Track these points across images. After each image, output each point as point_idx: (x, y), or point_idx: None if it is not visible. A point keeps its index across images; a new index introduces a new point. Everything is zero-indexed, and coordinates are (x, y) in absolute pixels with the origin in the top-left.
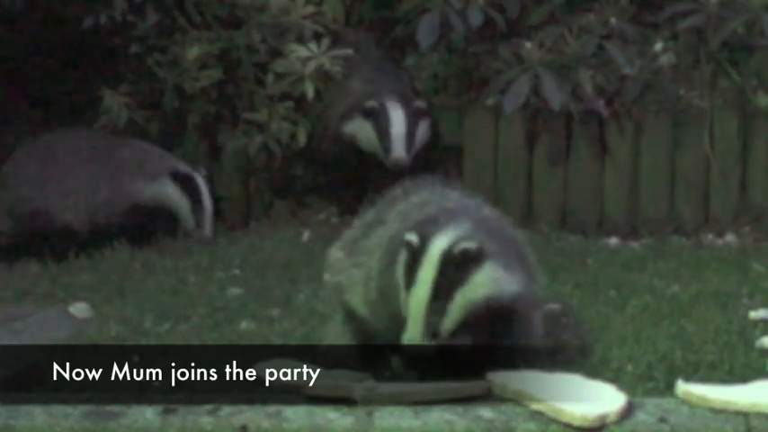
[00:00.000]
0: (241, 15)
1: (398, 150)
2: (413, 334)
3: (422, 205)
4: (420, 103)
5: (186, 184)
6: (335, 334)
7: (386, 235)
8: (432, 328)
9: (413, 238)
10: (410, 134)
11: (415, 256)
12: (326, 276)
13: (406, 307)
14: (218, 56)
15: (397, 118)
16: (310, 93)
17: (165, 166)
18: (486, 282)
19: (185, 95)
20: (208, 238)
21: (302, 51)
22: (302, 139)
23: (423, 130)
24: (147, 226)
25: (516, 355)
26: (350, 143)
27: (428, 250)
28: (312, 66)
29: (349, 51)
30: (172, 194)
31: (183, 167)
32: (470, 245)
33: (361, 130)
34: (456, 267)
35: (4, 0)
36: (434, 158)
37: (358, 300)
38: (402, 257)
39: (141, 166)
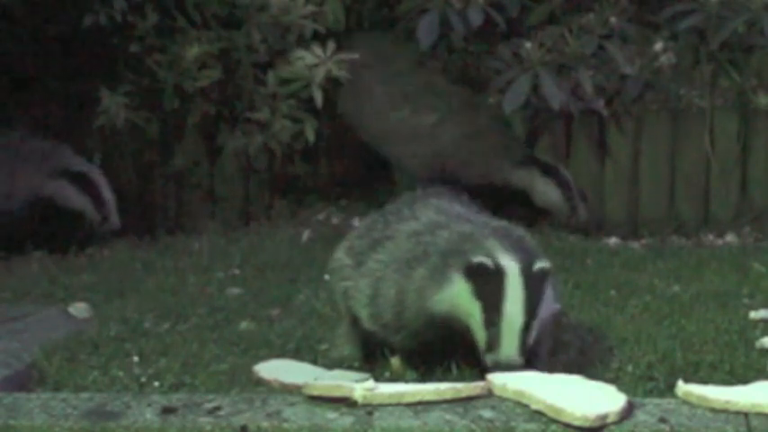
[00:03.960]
0: (241, 15)
1: (582, 209)
2: (511, 351)
3: (432, 229)
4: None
5: (82, 181)
6: (344, 337)
7: (396, 254)
8: (524, 344)
9: (485, 260)
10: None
11: (490, 278)
12: (332, 280)
13: (481, 326)
14: (218, 56)
15: (570, 178)
16: (319, 100)
17: (61, 165)
18: (552, 298)
19: (185, 95)
20: (117, 226)
21: (309, 58)
22: (310, 136)
23: None
24: (51, 225)
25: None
26: (519, 191)
27: (506, 272)
28: (321, 73)
29: (354, 55)
30: (72, 195)
31: (77, 164)
32: (545, 264)
33: (541, 185)
34: (536, 287)
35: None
36: None
37: (365, 313)
38: (466, 282)
39: (40, 162)
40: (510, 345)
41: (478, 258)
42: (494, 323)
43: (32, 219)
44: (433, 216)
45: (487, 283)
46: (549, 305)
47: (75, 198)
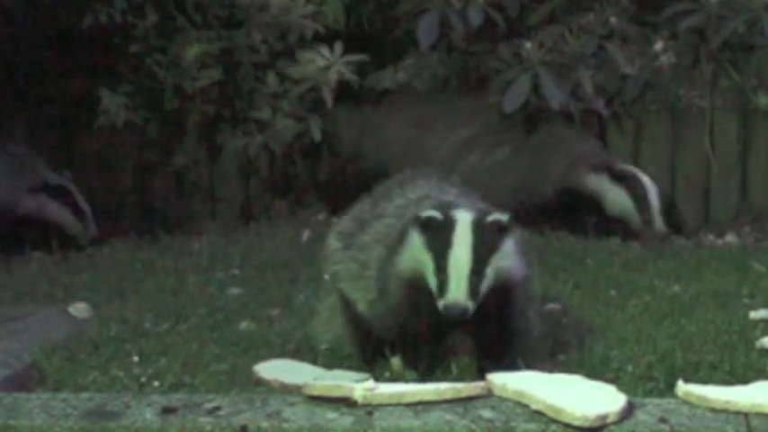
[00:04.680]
0: (241, 15)
1: (658, 222)
2: (457, 293)
3: (420, 201)
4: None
5: (61, 194)
6: (326, 320)
7: (384, 231)
8: (473, 288)
9: (435, 213)
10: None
11: (441, 229)
12: (324, 265)
13: (432, 274)
14: (218, 56)
15: (651, 187)
16: (329, 101)
17: (40, 179)
18: (512, 253)
19: (185, 95)
20: (95, 235)
21: (319, 59)
22: (316, 135)
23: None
24: (22, 237)
25: (515, 346)
26: (588, 197)
27: (456, 221)
28: (333, 74)
29: (363, 57)
30: (53, 209)
31: (53, 177)
32: (501, 216)
33: (611, 193)
34: (488, 236)
35: (4, 0)
36: None
37: (357, 295)
38: (419, 235)
39: (19, 176)
40: (457, 287)
41: (428, 212)
42: (443, 269)
43: (12, 232)
44: (421, 193)
45: (438, 234)
46: (514, 263)
47: (55, 212)
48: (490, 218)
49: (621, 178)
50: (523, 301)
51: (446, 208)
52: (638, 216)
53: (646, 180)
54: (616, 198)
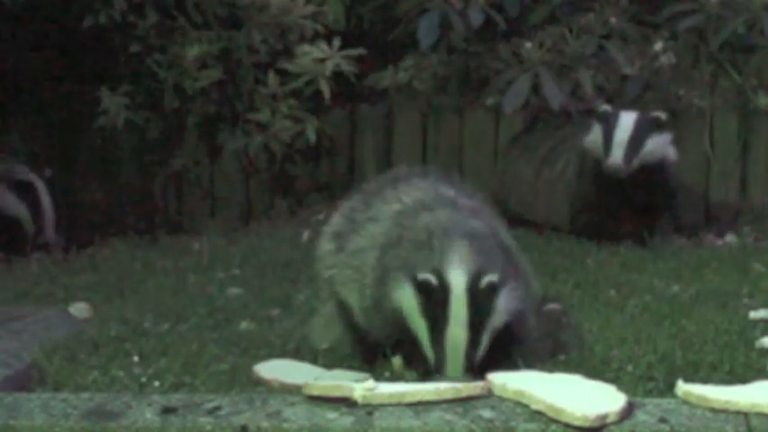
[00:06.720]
0: (241, 15)
1: (616, 156)
2: (456, 373)
3: (416, 210)
4: (659, 114)
5: (24, 190)
6: (324, 325)
7: (379, 240)
8: (470, 362)
9: (430, 278)
10: (635, 142)
11: (435, 295)
12: (317, 268)
13: (428, 345)
14: (218, 56)
15: (623, 122)
16: (327, 93)
17: (5, 171)
18: (505, 307)
19: (185, 95)
20: (51, 240)
21: (316, 52)
22: (311, 136)
23: (657, 141)
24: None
25: (514, 351)
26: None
27: (451, 287)
28: (330, 66)
29: (362, 51)
30: (10, 203)
31: (21, 173)
32: (494, 277)
33: (591, 133)
34: (483, 300)
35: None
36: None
37: (353, 300)
38: (414, 296)
39: None
40: (455, 368)
41: (424, 276)
42: (439, 343)
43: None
44: (418, 196)
45: (433, 301)
46: (510, 314)
47: (12, 205)
48: (484, 281)
49: (604, 118)
50: (517, 327)
51: (439, 267)
52: (601, 149)
53: (621, 116)
54: (592, 135)
